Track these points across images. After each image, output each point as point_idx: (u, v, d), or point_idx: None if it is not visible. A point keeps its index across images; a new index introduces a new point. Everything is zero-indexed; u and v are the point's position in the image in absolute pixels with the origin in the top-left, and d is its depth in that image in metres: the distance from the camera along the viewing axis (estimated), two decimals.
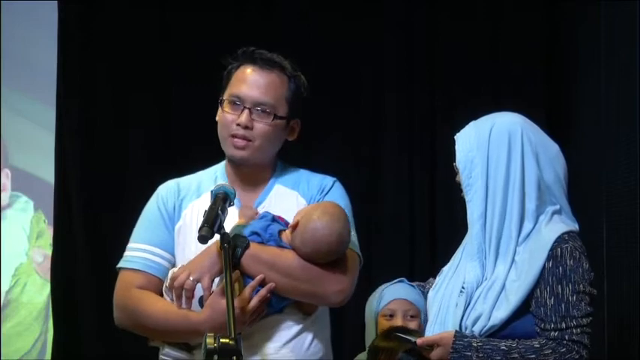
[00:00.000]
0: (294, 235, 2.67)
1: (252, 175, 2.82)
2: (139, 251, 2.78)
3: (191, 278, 2.60)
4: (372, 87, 4.91)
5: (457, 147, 2.80)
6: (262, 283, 2.63)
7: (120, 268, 2.81)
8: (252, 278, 2.64)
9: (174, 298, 2.64)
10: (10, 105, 5.01)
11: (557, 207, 2.79)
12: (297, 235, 2.66)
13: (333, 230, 2.64)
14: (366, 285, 4.66)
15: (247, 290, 2.60)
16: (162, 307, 2.68)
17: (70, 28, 4.92)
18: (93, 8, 4.90)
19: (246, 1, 4.93)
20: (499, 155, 2.78)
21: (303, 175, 2.88)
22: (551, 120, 4.58)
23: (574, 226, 2.79)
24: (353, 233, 2.76)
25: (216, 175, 2.87)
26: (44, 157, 4.99)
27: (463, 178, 2.78)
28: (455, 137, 2.84)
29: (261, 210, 2.77)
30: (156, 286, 2.74)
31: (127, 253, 2.81)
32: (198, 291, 2.63)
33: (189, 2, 4.90)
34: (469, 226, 2.80)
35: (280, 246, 2.68)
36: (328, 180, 2.86)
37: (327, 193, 2.83)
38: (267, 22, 4.84)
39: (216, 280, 2.64)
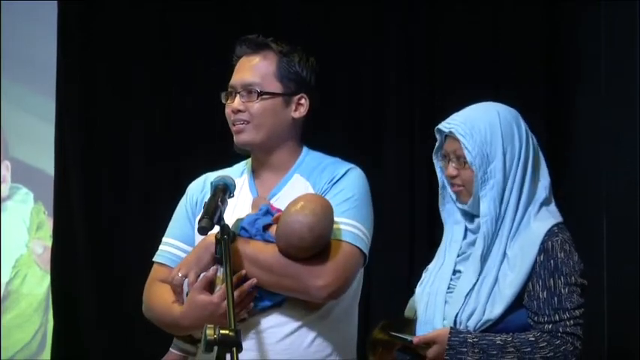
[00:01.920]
0: (275, 228, 2.63)
1: (270, 162, 2.80)
2: (165, 245, 2.81)
3: (179, 274, 2.62)
4: (372, 88, 4.92)
5: (466, 142, 2.73)
6: (247, 278, 2.61)
7: (152, 262, 2.84)
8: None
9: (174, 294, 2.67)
10: (10, 97, 5.01)
11: (545, 194, 2.80)
12: (276, 230, 2.61)
13: (304, 224, 2.55)
14: (365, 284, 4.70)
15: (225, 286, 2.52)
16: (161, 301, 2.69)
17: (70, 21, 4.94)
18: (92, 5, 4.92)
19: (246, 1, 4.94)
20: (513, 147, 2.76)
21: (322, 162, 2.82)
22: (551, 120, 4.59)
23: (559, 216, 2.79)
24: (356, 224, 2.69)
25: (243, 168, 2.86)
26: (44, 149, 4.99)
27: (479, 173, 2.73)
28: (449, 130, 2.77)
29: (274, 201, 2.74)
30: None
31: (159, 247, 2.84)
32: None
33: (190, 1, 4.92)
34: (483, 223, 2.74)
35: (267, 240, 2.63)
36: (341, 168, 2.78)
37: (336, 183, 2.75)
38: (267, 22, 4.84)
39: (202, 274, 2.64)
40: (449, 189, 2.86)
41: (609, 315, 3.92)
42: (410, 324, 3.42)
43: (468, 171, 2.76)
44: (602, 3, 4.25)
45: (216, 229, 2.52)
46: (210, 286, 2.59)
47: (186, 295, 2.62)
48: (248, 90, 2.75)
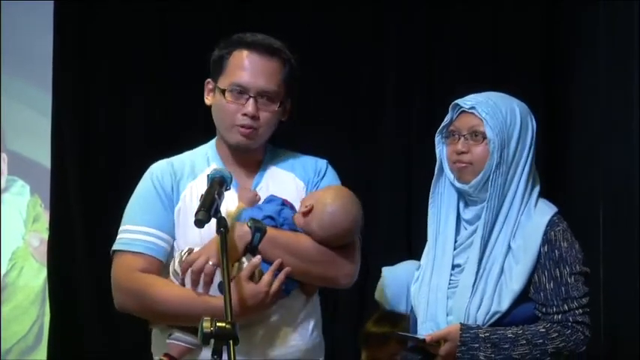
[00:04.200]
0: (308, 219, 2.68)
1: (248, 157, 2.81)
2: (138, 233, 2.74)
3: (210, 263, 2.59)
4: (372, 88, 4.93)
5: (490, 119, 2.73)
6: (280, 267, 2.64)
7: (118, 251, 2.77)
8: (268, 262, 2.64)
9: (190, 283, 2.62)
10: (8, 90, 5.01)
11: (539, 188, 2.81)
12: (314, 220, 2.67)
13: (351, 214, 2.68)
14: (362, 278, 4.71)
15: (269, 274, 2.61)
16: (177, 292, 2.65)
17: (67, 13, 4.94)
18: None
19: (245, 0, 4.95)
20: (526, 137, 2.77)
21: (295, 157, 2.88)
22: (550, 119, 4.61)
23: (555, 207, 2.81)
24: None
25: (207, 156, 2.84)
26: (40, 141, 5.00)
27: (495, 154, 2.72)
28: (472, 106, 2.75)
29: (258, 191, 2.77)
30: (157, 268, 2.71)
31: (124, 236, 2.76)
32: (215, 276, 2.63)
33: None
34: (487, 209, 2.74)
35: (293, 229, 2.69)
36: (321, 162, 2.87)
37: (324, 176, 2.83)
38: (265, 20, 4.83)
39: (236, 264, 2.64)
40: (447, 170, 2.84)
41: (605, 309, 3.94)
42: (403, 318, 3.42)
43: (482, 148, 2.74)
44: (601, 3, 4.26)
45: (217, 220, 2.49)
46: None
47: (219, 285, 2.60)
48: (267, 97, 2.73)
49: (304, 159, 2.87)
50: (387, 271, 3.79)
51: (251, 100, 2.72)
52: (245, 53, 2.76)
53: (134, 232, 2.75)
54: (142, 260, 2.71)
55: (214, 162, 2.81)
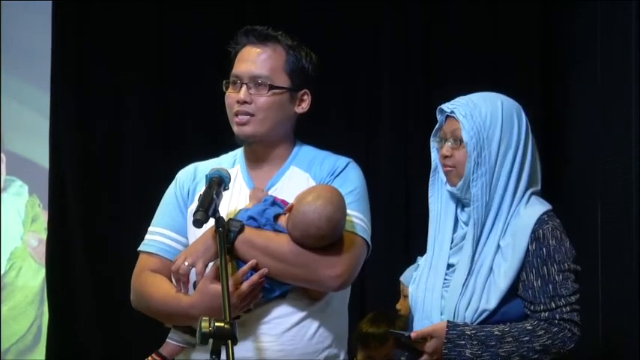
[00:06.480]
0: (287, 218, 2.63)
1: (267, 155, 2.79)
2: (155, 235, 2.77)
3: (186, 263, 2.59)
4: (368, 83, 4.94)
5: (465, 122, 2.73)
6: (256, 268, 2.60)
7: (139, 251, 2.80)
8: (246, 263, 2.61)
9: (175, 283, 2.64)
10: (6, 89, 5.02)
11: (538, 188, 2.81)
12: (290, 219, 2.61)
13: (322, 214, 2.57)
14: (360, 279, 4.72)
15: (239, 274, 2.57)
16: (162, 291, 2.67)
17: (65, 13, 4.95)
18: None
19: None
20: (510, 136, 2.76)
21: (319, 155, 2.83)
22: (548, 116, 4.61)
23: (547, 204, 2.79)
24: (361, 217, 2.71)
25: (235, 159, 2.85)
26: (39, 142, 5.01)
27: (472, 155, 2.73)
28: (451, 110, 2.77)
29: (272, 192, 2.74)
30: (169, 269, 2.70)
31: (146, 237, 2.80)
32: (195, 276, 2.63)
33: None
34: (473, 209, 2.73)
35: (276, 230, 2.63)
36: (342, 161, 2.80)
37: (337, 176, 2.76)
38: (262, 16, 4.84)
39: (210, 264, 2.64)
40: (440, 172, 2.84)
41: (604, 310, 3.94)
42: (399, 317, 3.41)
43: (463, 152, 2.75)
44: (599, 2, 4.27)
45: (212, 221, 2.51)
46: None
47: (193, 284, 2.61)
48: (256, 82, 2.73)
49: (326, 158, 2.82)
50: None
51: (243, 87, 2.73)
52: (246, 47, 2.79)
53: (152, 233, 2.79)
54: (155, 260, 2.75)
55: (239, 163, 2.82)
